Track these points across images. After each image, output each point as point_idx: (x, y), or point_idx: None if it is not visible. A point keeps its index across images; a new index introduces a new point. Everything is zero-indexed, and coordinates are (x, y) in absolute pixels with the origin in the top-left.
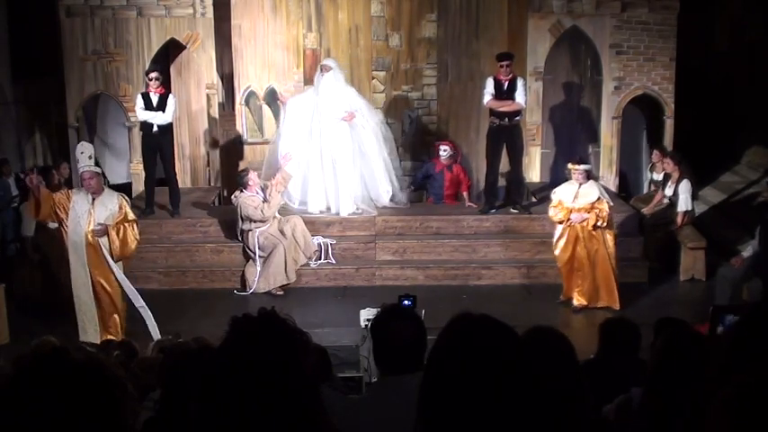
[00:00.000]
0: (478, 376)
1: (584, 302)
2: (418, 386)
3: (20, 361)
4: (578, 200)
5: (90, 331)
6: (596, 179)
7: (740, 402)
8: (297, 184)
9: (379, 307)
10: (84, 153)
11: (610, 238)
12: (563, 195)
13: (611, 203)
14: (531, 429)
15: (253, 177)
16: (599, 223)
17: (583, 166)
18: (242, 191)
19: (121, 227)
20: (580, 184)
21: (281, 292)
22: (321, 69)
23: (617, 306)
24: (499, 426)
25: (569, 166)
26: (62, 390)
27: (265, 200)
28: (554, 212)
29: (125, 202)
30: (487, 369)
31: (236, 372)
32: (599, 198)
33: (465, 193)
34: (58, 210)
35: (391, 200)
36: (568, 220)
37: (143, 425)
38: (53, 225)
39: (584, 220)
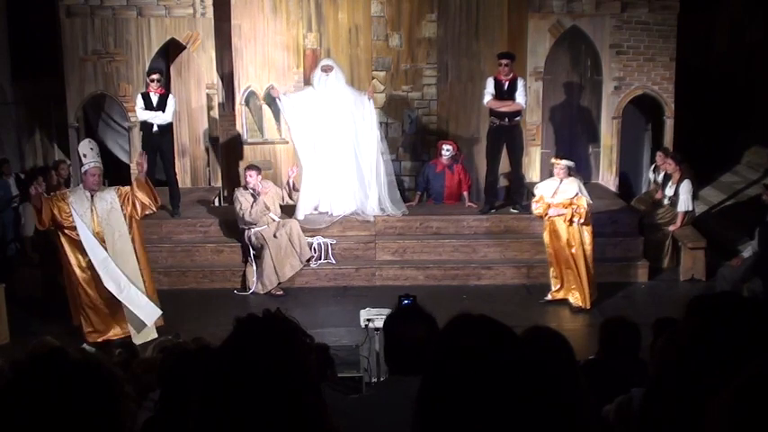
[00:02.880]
0: (477, 377)
1: (581, 304)
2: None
3: (18, 362)
4: (557, 195)
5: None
6: (579, 177)
7: (739, 403)
8: (313, 194)
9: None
10: (93, 149)
11: (587, 235)
12: (544, 190)
13: (590, 201)
14: (530, 430)
15: (251, 175)
16: (575, 219)
17: (564, 162)
18: (245, 187)
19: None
20: (561, 180)
21: (281, 292)
22: (324, 70)
23: (587, 305)
24: (498, 426)
25: (552, 160)
26: (59, 390)
27: (255, 202)
28: (535, 207)
29: (120, 187)
30: (486, 369)
31: (238, 372)
32: (577, 194)
33: (465, 193)
34: (55, 214)
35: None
36: (547, 214)
37: (143, 425)
38: None
39: (560, 215)
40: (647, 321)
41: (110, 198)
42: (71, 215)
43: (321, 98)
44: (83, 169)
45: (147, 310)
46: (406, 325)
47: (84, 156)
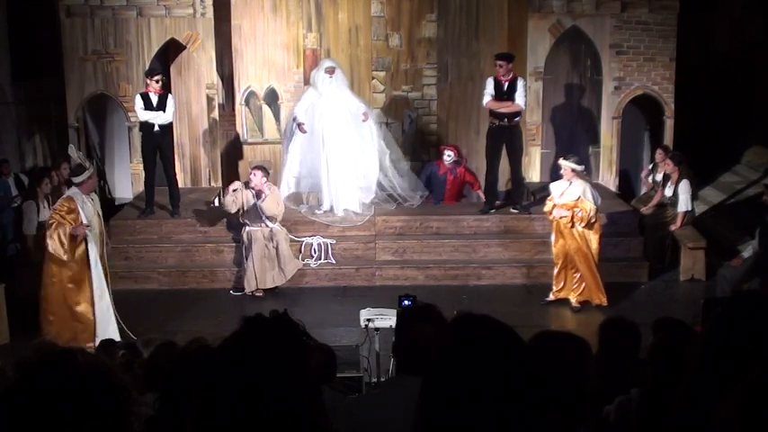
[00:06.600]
0: (479, 377)
1: (582, 300)
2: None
3: (23, 363)
4: (563, 197)
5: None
6: (588, 180)
7: (747, 403)
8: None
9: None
10: (82, 155)
11: (594, 238)
12: (554, 190)
13: (596, 206)
14: (531, 429)
15: (255, 174)
16: (576, 223)
17: (567, 163)
18: (247, 185)
19: None
20: (570, 182)
21: (261, 294)
22: (327, 72)
23: (605, 302)
24: (499, 426)
25: (559, 161)
26: (67, 395)
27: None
28: (546, 204)
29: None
30: (489, 369)
31: (238, 372)
32: (579, 198)
33: (480, 192)
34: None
35: (402, 201)
36: (551, 214)
37: (143, 425)
38: None
39: (562, 217)
40: (647, 321)
41: (97, 202)
42: (79, 220)
43: (324, 100)
44: (86, 174)
45: (105, 327)
46: (424, 324)
47: (83, 161)
